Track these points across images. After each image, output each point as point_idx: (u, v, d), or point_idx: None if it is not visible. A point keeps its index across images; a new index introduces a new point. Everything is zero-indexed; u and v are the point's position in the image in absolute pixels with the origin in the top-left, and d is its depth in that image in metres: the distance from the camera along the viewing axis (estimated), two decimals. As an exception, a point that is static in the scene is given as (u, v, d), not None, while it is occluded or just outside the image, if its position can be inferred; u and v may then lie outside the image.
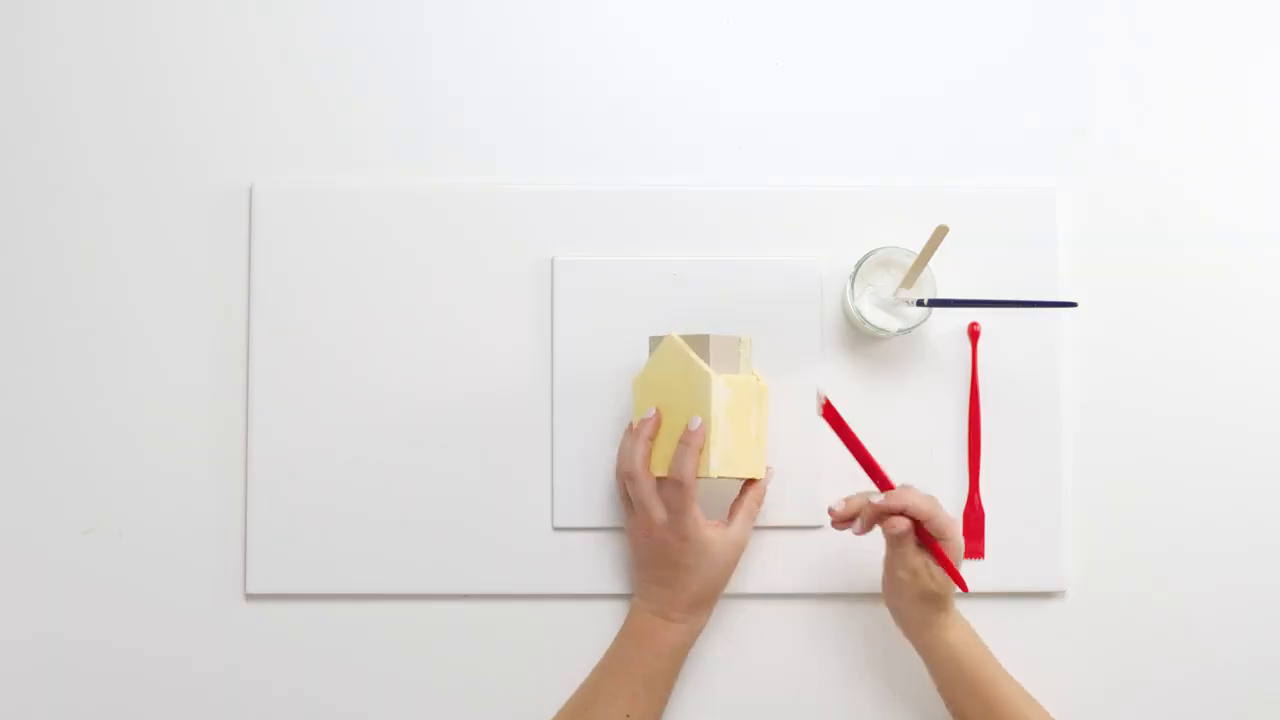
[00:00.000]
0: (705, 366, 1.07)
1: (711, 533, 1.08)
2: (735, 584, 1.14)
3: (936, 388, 1.16)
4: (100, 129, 1.17)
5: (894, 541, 1.05)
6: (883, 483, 1.06)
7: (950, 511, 1.13)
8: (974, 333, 1.16)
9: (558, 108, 1.18)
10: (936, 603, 1.06)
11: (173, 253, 1.16)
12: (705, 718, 1.14)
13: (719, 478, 1.07)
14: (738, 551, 1.10)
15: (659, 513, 1.08)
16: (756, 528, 1.13)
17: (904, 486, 1.06)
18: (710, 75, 1.19)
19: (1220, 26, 1.20)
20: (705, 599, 1.10)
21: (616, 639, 1.11)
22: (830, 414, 1.06)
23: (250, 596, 1.14)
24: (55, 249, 1.16)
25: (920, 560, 1.05)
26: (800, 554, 1.14)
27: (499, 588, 1.14)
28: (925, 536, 1.05)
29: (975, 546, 1.15)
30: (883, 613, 1.12)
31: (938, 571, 1.05)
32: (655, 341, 1.10)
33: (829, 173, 1.18)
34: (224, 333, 1.16)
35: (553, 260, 1.16)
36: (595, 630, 1.13)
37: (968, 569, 1.13)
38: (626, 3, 1.19)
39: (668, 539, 1.07)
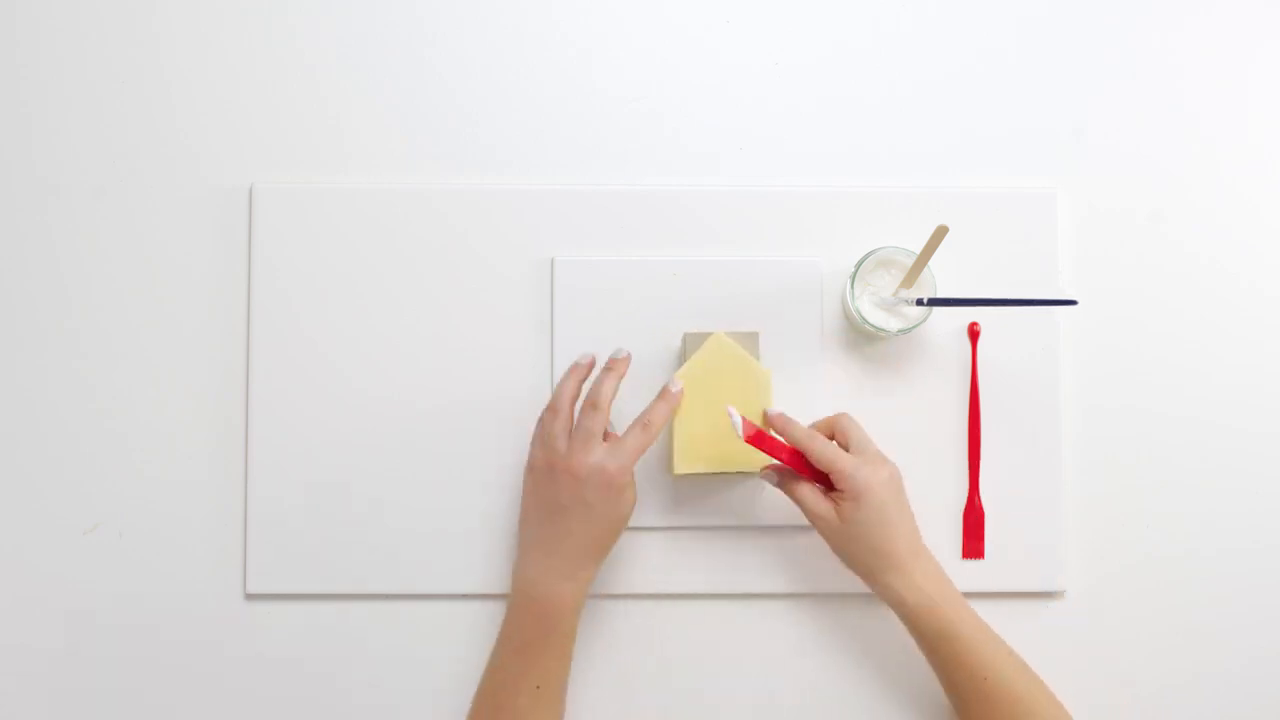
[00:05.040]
0: (761, 366, 1.08)
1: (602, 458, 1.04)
2: (734, 584, 1.14)
3: (936, 388, 1.16)
4: (100, 129, 1.17)
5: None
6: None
7: (949, 510, 1.14)
8: (974, 333, 1.16)
9: (558, 108, 1.18)
10: (857, 567, 1.07)
11: (172, 253, 1.16)
12: (703, 718, 1.14)
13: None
14: (616, 483, 1.04)
15: (562, 444, 1.05)
16: (757, 528, 1.13)
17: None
18: (710, 75, 1.19)
19: (1220, 26, 1.20)
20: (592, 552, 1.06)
21: (506, 616, 1.08)
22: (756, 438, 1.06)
23: (250, 596, 1.14)
24: (55, 249, 1.16)
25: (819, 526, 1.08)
26: (800, 554, 1.14)
27: (499, 588, 1.14)
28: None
29: (975, 546, 1.15)
30: (882, 613, 1.12)
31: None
32: (693, 338, 1.10)
33: (829, 173, 1.18)
34: (224, 333, 1.16)
35: (553, 260, 1.16)
36: (594, 630, 1.13)
37: (968, 569, 1.14)
38: (626, 3, 1.19)
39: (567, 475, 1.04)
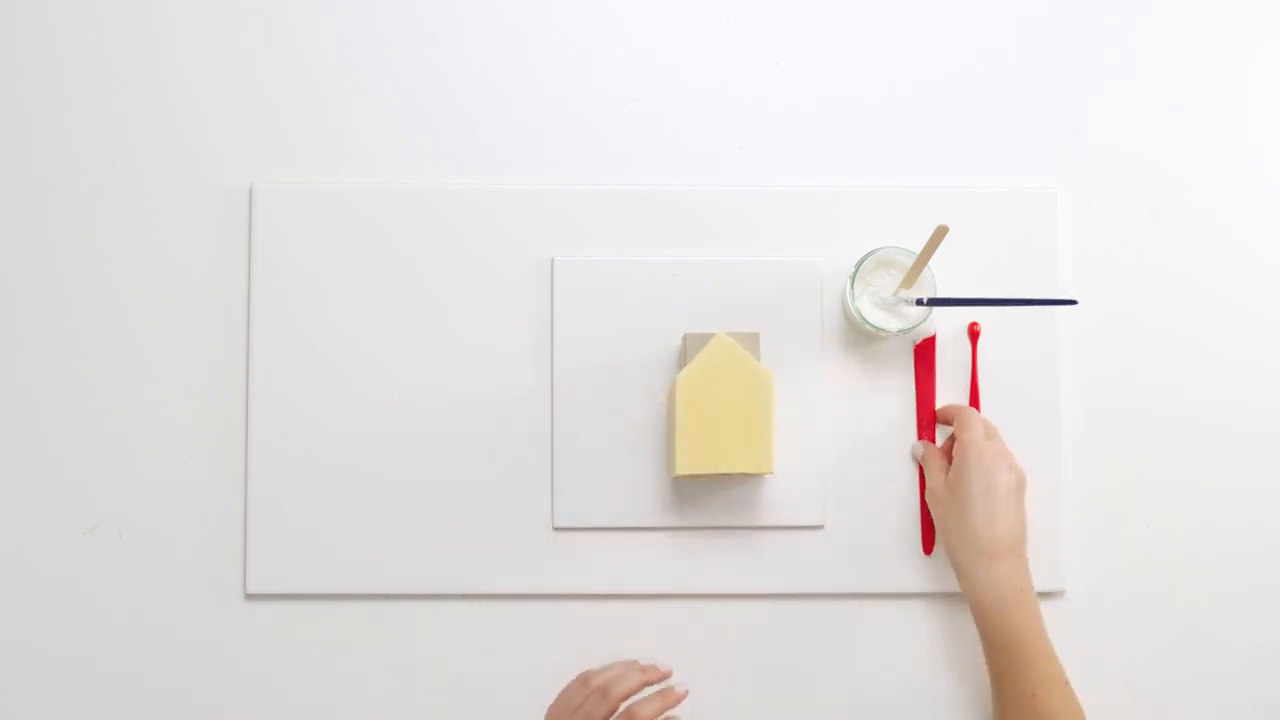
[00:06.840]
0: (762, 366, 1.08)
1: None
2: (734, 584, 1.14)
3: (937, 388, 1.16)
4: (100, 129, 1.17)
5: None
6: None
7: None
8: (974, 333, 1.16)
9: (558, 108, 1.18)
10: (952, 552, 1.08)
11: (172, 253, 1.16)
12: (703, 717, 1.14)
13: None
14: None
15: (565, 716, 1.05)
16: (757, 528, 1.14)
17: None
18: (710, 75, 1.19)
19: (1220, 26, 1.20)
20: None
21: None
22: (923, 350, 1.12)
23: (250, 596, 1.14)
24: (55, 249, 1.16)
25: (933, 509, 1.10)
26: (800, 554, 1.14)
27: (499, 588, 1.14)
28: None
29: (975, 546, 1.15)
30: (880, 613, 1.12)
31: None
32: (693, 339, 1.10)
33: (829, 173, 1.18)
34: (224, 333, 1.16)
35: (553, 260, 1.16)
36: (595, 630, 1.13)
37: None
38: (626, 3, 1.19)
39: None
